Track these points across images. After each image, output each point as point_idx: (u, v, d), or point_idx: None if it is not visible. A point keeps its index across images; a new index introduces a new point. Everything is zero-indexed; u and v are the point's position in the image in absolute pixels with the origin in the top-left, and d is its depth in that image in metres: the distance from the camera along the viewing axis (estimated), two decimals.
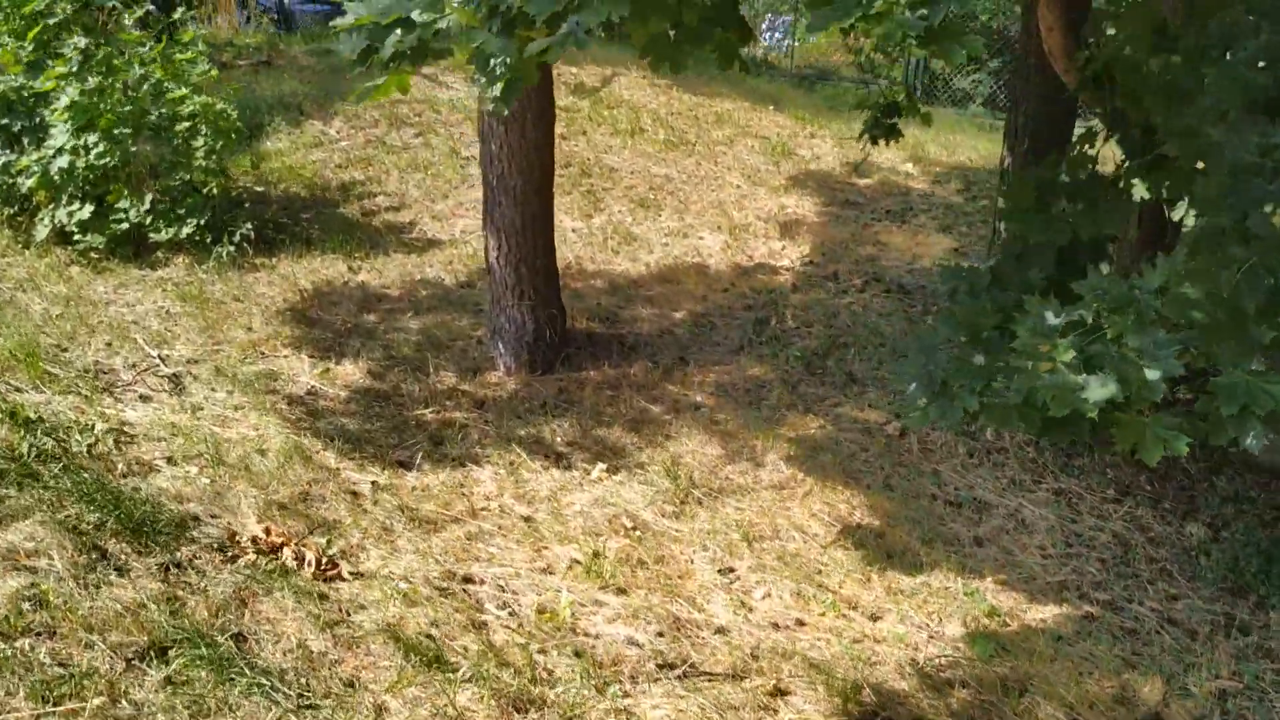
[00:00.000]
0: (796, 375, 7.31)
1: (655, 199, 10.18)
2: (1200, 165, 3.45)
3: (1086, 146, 6.14)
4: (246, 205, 9.16)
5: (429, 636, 4.23)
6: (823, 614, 4.88)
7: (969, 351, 4.61)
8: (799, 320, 8.03)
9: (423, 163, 10.66)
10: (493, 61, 3.59)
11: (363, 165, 10.55)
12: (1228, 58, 3.44)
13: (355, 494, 5.50)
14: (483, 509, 5.56)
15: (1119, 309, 3.23)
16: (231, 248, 8.31)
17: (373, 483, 5.63)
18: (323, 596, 4.28)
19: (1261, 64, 3.34)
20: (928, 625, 4.96)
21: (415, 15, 3.30)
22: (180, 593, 4.14)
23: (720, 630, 4.65)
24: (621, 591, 4.82)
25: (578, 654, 4.32)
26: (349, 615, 4.29)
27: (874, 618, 5.00)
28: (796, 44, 17.71)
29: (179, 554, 4.40)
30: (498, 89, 3.60)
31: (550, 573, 4.94)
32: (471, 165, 10.61)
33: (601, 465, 6.15)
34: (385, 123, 11.38)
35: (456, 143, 11.11)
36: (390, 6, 3.34)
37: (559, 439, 6.43)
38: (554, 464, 6.18)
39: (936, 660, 4.62)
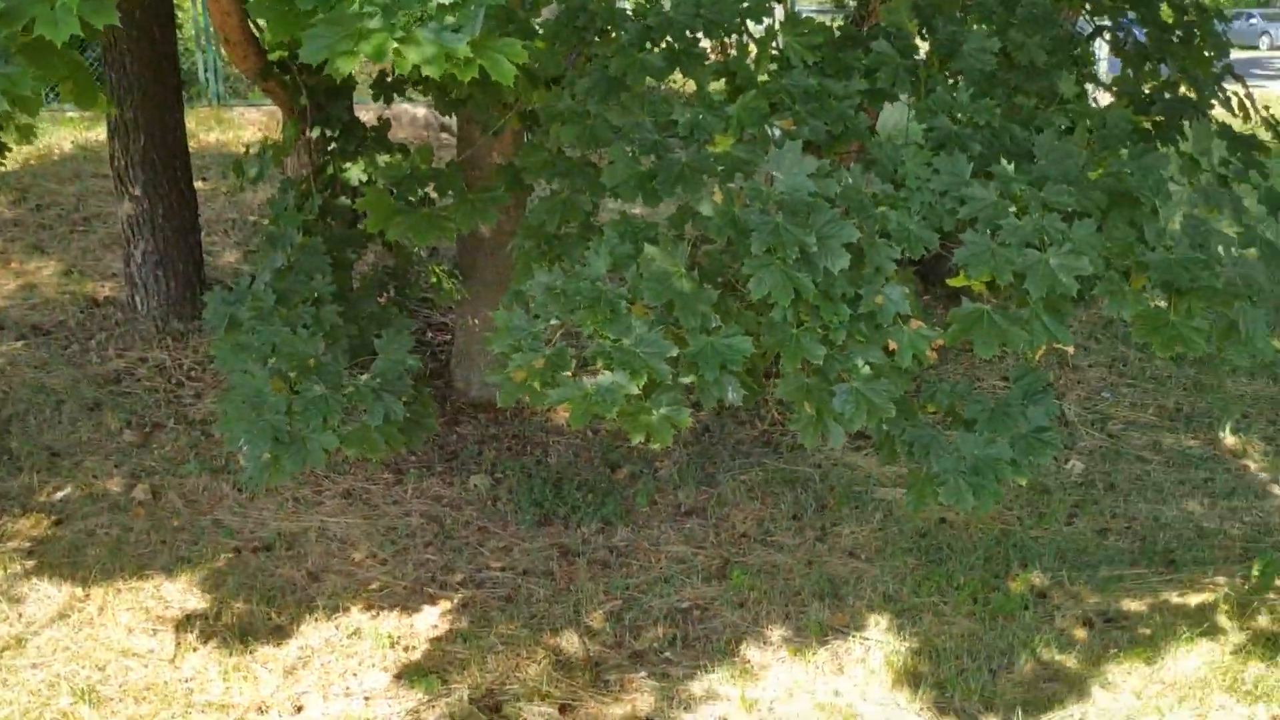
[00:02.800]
0: None
1: None
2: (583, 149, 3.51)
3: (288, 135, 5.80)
4: None
5: None
6: None
7: (307, 386, 4.15)
8: None
9: None
10: None
11: None
12: (620, 37, 3.52)
13: None
14: None
15: (590, 306, 3.19)
16: None
17: None
18: None
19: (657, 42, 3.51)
20: (351, 689, 4.45)
21: None
22: None
23: None
24: None
25: None
26: None
27: (298, 709, 4.30)
28: None
29: None
30: None
31: None
32: None
33: None
34: None
35: None
36: None
37: None
38: None
39: None
